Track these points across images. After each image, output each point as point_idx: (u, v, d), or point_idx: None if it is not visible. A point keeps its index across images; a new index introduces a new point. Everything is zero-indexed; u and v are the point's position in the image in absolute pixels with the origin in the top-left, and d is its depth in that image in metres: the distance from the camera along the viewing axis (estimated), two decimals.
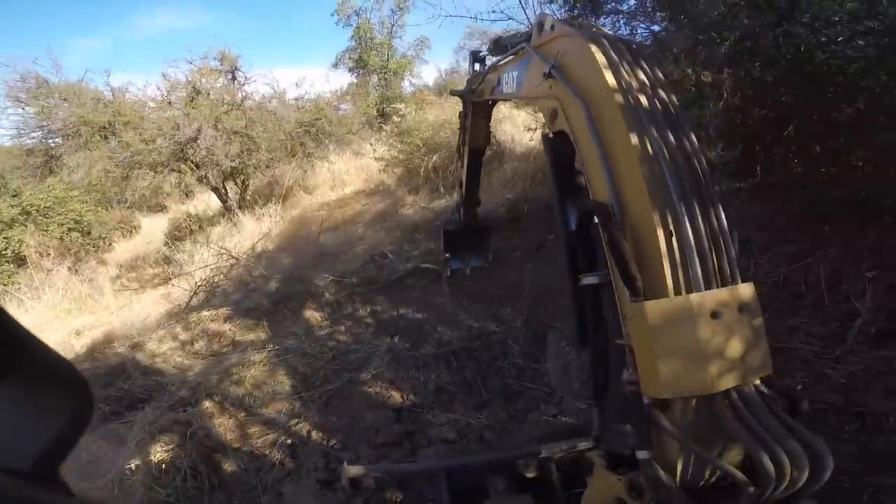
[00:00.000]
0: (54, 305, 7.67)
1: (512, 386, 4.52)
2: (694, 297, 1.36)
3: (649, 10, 4.28)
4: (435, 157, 8.37)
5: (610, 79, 1.57)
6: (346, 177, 9.57)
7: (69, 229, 10.69)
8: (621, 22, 4.48)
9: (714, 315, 1.35)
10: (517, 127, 9.31)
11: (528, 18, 7.07)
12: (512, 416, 4.13)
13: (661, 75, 1.70)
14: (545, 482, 2.95)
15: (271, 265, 6.75)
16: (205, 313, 6.05)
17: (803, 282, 3.77)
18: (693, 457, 1.37)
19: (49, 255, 8.92)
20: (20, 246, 9.68)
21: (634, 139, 1.48)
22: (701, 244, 1.42)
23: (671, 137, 1.52)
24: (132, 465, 3.68)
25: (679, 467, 1.39)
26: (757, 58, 3.74)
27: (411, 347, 4.95)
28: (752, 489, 1.26)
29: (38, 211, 10.41)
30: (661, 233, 1.40)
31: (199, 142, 7.73)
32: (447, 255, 5.23)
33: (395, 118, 9.80)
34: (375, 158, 9.05)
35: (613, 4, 4.48)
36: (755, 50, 3.71)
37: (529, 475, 2.97)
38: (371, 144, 9.66)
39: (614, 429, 1.68)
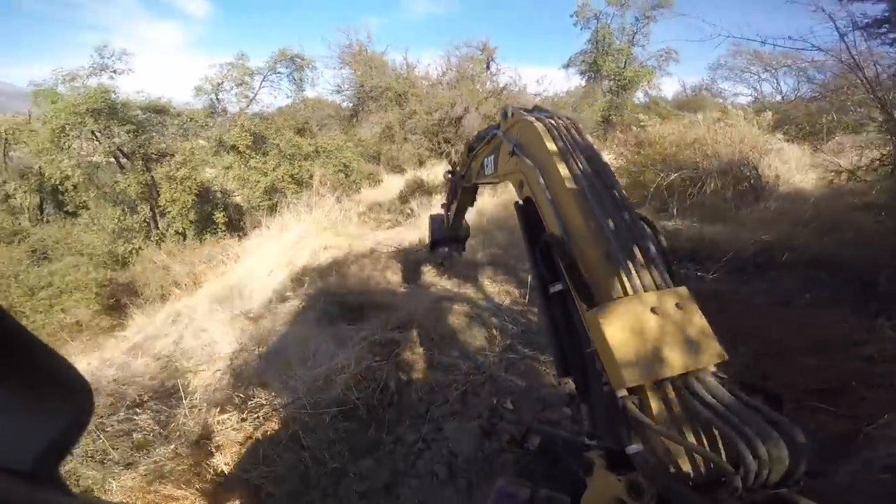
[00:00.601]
0: (317, 221, 9.72)
1: None
2: (633, 297, 1.63)
3: None
4: (673, 176, 7.75)
5: (550, 144, 2.09)
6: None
7: (338, 170, 13.49)
8: None
9: (653, 310, 1.58)
10: (787, 163, 7.94)
11: (847, 50, 5.84)
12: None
13: (588, 138, 2.19)
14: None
15: (485, 238, 7.29)
16: (421, 259, 6.90)
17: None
18: (680, 449, 1.44)
19: (325, 184, 11.40)
20: (308, 173, 12.66)
21: (570, 186, 1.93)
22: (633, 256, 1.73)
23: (598, 182, 1.94)
24: (344, 365, 4.30)
25: (668, 459, 1.46)
26: None
27: None
28: (732, 472, 1.32)
29: (325, 151, 13.41)
30: (599, 252, 1.76)
31: (463, 120, 8.79)
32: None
33: (634, 127, 9.34)
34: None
35: None
36: None
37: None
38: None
39: (604, 425, 1.81)
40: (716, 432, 1.47)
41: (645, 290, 1.65)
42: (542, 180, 2.04)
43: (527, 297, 5.77)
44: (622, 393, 1.53)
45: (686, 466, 1.47)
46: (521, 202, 2.41)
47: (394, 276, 6.65)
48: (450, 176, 4.46)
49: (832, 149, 8.95)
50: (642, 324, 1.56)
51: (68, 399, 0.55)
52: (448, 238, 5.64)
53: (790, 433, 1.35)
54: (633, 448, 1.51)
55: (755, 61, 12.07)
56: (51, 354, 0.53)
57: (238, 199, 13.54)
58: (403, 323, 5.10)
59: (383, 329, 4.97)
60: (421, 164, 16.01)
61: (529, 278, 5.71)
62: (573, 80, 17.05)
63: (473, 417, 3.81)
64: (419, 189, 12.39)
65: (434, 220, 5.81)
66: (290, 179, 12.51)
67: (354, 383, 4.09)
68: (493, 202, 9.00)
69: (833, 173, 6.61)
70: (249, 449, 3.71)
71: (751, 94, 12.65)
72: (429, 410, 3.94)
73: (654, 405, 1.52)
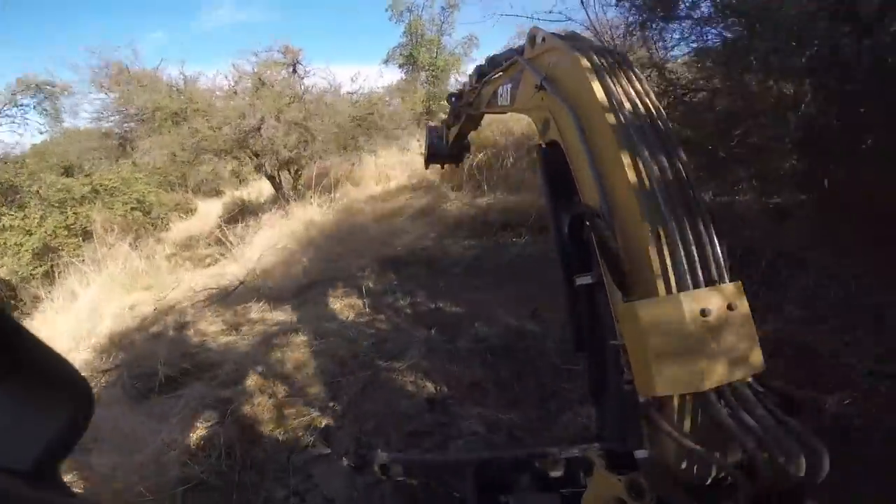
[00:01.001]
0: (113, 278, 8.17)
1: (546, 386, 4.50)
2: (682, 295, 1.40)
3: (723, 16, 4.09)
4: (480, 156, 8.37)
5: (597, 88, 1.65)
6: (391, 172, 9.73)
7: (132, 208, 11.42)
8: (692, 28, 4.29)
9: (703, 313, 1.37)
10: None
11: (589, 19, 6.91)
12: (543, 416, 4.12)
13: (645, 84, 1.78)
14: (572, 482, 2.94)
15: (318, 252, 6.96)
16: (250, 297, 6.34)
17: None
18: (691, 455, 1.37)
19: (113, 230, 9.56)
20: (87, 221, 10.44)
21: (621, 145, 1.55)
22: (687, 245, 1.46)
23: (656, 142, 1.59)
24: (172, 441, 3.79)
25: (677, 465, 1.41)
26: (835, 68, 3.53)
27: (448, 340, 4.99)
28: (749, 485, 1.27)
29: (105, 190, 11.19)
30: (648, 233, 1.45)
31: (261, 131, 8.08)
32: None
33: (441, 115, 9.86)
34: (420, 154, 9.12)
35: (686, 10, 4.29)
36: (834, 60, 3.51)
37: (555, 474, 2.99)
38: (418, 140, 9.77)
39: (614, 428, 1.73)
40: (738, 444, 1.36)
41: (696, 285, 1.43)
42: (578, 129, 1.66)
43: (367, 306, 5.69)
44: (646, 397, 1.43)
45: (698, 474, 1.40)
46: (543, 145, 1.99)
47: (212, 326, 5.93)
48: (453, 100, 3.85)
49: None
50: (687, 327, 1.36)
51: (68, 399, 0.54)
52: (445, 155, 4.85)
53: (813, 446, 1.27)
54: (642, 452, 1.46)
55: None
56: (51, 354, 0.53)
57: (2, 273, 10.58)
58: (233, 377, 4.61)
59: (209, 389, 4.44)
60: (241, 182, 14.60)
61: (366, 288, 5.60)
62: (394, 75, 17.32)
63: (340, 455, 3.64)
64: (242, 211, 11.27)
65: (431, 132, 4.91)
66: (65, 233, 10.18)
67: (191, 457, 3.62)
68: (321, 213, 8.64)
69: None
70: None
71: None
72: (290, 459, 3.64)
73: (676, 412, 1.40)
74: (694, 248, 1.47)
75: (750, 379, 1.42)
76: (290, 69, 9.28)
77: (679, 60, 5.36)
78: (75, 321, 6.96)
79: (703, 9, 4.30)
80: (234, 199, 11.83)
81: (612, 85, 1.66)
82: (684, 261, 1.44)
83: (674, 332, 1.37)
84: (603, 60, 1.74)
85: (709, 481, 1.42)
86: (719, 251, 1.51)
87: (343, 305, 5.83)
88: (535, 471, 2.98)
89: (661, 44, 4.97)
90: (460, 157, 4.87)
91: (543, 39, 2.03)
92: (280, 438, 3.85)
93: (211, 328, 5.88)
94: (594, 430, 1.89)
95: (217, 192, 14.36)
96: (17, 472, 0.48)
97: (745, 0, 3.90)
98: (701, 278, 1.45)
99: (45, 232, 10.14)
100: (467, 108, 3.62)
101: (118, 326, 6.52)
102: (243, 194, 11.99)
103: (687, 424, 1.40)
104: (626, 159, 1.53)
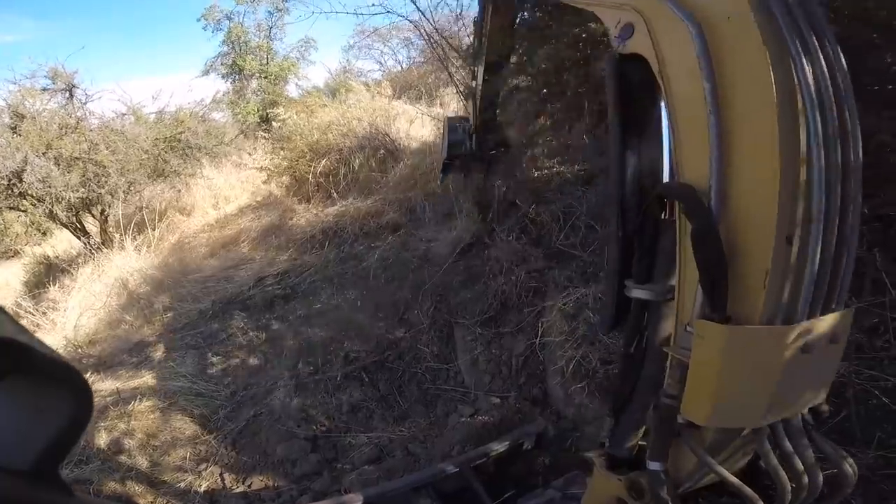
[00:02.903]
0: None
1: (428, 391, 4.52)
2: (791, 330, 1.08)
3: None
4: (324, 161, 7.95)
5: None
6: (228, 192, 8.75)
7: None
8: None
9: (804, 349, 1.10)
10: (412, 122, 9.15)
11: (417, 10, 6.78)
12: (433, 422, 4.16)
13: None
14: (470, 492, 2.90)
15: (145, 305, 5.96)
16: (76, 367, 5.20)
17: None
18: (708, 472, 1.27)
19: None
20: None
21: (776, 94, 1.00)
22: (827, 257, 1.08)
23: (832, 104, 1.05)
24: None
25: (687, 478, 1.35)
26: None
27: (317, 370, 4.66)
28: None
29: None
30: (777, 241, 1.04)
31: (25, 174, 6.53)
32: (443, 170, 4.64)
33: (274, 124, 9.16)
34: (258, 169, 8.37)
35: None
36: None
37: (450, 490, 2.93)
38: (249, 154, 8.93)
39: (624, 437, 1.60)
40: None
41: (811, 314, 1.09)
42: (701, 50, 1.07)
43: (214, 354, 5.01)
44: (687, 419, 1.22)
45: (699, 483, 1.35)
46: (617, 55, 1.35)
47: None
48: None
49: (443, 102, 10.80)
50: (780, 365, 1.09)
51: (68, 399, 0.52)
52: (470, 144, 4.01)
53: (843, 470, 1.23)
54: (656, 465, 1.33)
55: (376, 37, 13.35)
56: (51, 354, 0.50)
57: None
58: (69, 460, 3.72)
59: None
60: (44, 234, 12.08)
61: None
62: (217, 86, 15.89)
63: None
64: (49, 271, 9.25)
65: (451, 124, 4.15)
66: None
67: None
68: (143, 257, 7.40)
69: None
70: None
71: (379, 69, 14.20)
72: None
73: (714, 435, 1.23)
74: (829, 268, 1.09)
75: (806, 413, 1.25)
76: (66, 95, 7.69)
77: None
78: None
79: None
80: (37, 257, 9.67)
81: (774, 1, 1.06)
82: (812, 285, 1.08)
83: (761, 370, 1.11)
84: None
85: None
86: (852, 267, 1.15)
87: (187, 359, 5.09)
88: (431, 493, 2.90)
89: None
90: (490, 146, 4.13)
91: None
92: None
93: None
94: (603, 439, 1.67)
95: (14, 253, 11.70)
96: (17, 472, 0.48)
97: None
98: (819, 304, 1.12)
99: None
100: None
101: None
102: (47, 250, 9.87)
103: (719, 448, 1.26)
104: (780, 122, 1.00)
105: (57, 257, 9.27)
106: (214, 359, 5.00)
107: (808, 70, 1.03)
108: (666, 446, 1.32)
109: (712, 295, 1.10)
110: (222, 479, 3.72)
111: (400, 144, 8.47)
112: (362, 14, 7.24)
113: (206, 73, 15.52)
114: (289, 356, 4.89)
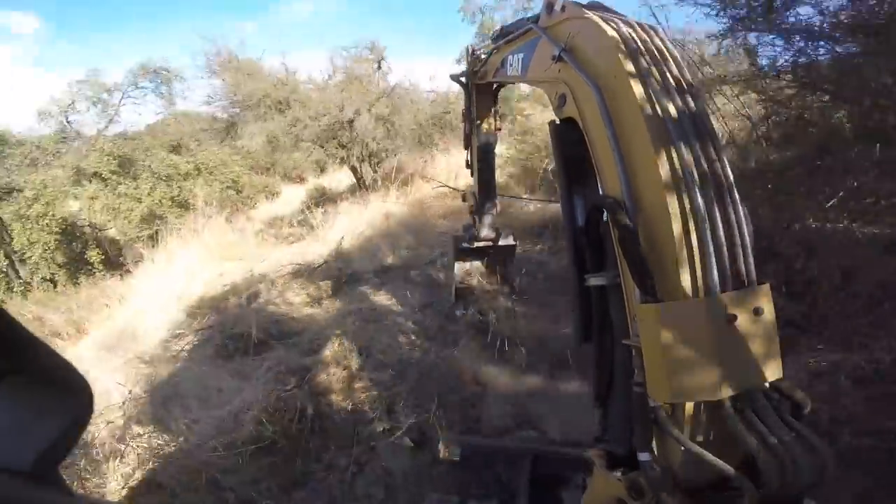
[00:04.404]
0: (208, 247, 8.97)
1: None
2: (709, 300, 1.31)
3: (836, 30, 3.86)
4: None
5: (626, 63, 1.46)
6: (460, 170, 9.93)
7: (227, 187, 12.59)
8: (799, 41, 4.07)
9: (729, 319, 1.29)
10: None
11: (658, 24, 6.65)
12: None
13: (679, 60, 1.57)
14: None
15: (393, 240, 7.31)
16: (332, 274, 6.70)
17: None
18: (696, 459, 1.33)
19: (210, 205, 10.59)
20: (189, 195, 11.66)
21: (649, 126, 1.39)
22: (719, 242, 1.35)
23: (690, 125, 1.43)
24: (251, 401, 4.05)
25: (681, 469, 1.38)
26: None
27: (521, 342, 4.72)
28: (753, 491, 1.25)
29: (206, 168, 12.42)
30: (677, 229, 1.33)
31: (355, 123, 8.61)
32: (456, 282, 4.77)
33: (519, 117, 9.95)
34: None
35: (794, 19, 4.06)
36: None
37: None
38: None
39: (618, 430, 1.66)
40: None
41: (724, 288, 1.34)
42: (601, 106, 1.50)
43: (434, 294, 5.88)
44: (657, 402, 1.36)
45: (700, 477, 1.38)
46: (557, 121, 1.85)
47: (297, 298, 6.38)
48: (456, 78, 3.74)
49: None
50: (711, 334, 1.29)
51: (68, 399, 0.54)
52: (481, 248, 4.37)
53: (820, 452, 1.27)
54: (646, 455, 1.41)
55: None
56: (51, 354, 0.53)
57: (112, 232, 12.06)
58: (313, 346, 4.91)
59: (291, 355, 4.76)
60: (322, 171, 15.47)
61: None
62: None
63: (403, 431, 3.76)
64: (322, 198, 12.00)
65: (456, 240, 4.51)
66: (170, 203, 11.42)
67: (267, 417, 3.86)
68: (397, 205, 9.01)
69: None
70: (164, 502, 3.40)
71: None
72: (356, 431, 3.84)
73: (687, 416, 1.35)
74: (726, 247, 1.36)
75: (766, 386, 1.36)
76: (376, 65, 9.81)
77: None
78: (171, 281, 7.77)
79: (811, 19, 4.01)
80: (316, 186, 12.58)
81: (641, 58, 1.49)
82: (714, 261, 1.33)
83: (696, 339, 1.29)
84: (631, 31, 1.56)
85: (709, 483, 1.39)
86: (750, 251, 1.40)
87: (414, 289, 6.03)
88: (590, 470, 3.01)
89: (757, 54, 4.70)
90: (502, 251, 4.44)
91: (563, 8, 1.86)
92: (348, 409, 4.04)
93: (296, 299, 6.29)
94: (596, 432, 1.79)
95: (300, 179, 15.27)
96: (17, 472, 0.48)
97: (863, 16, 3.68)
98: (729, 279, 1.35)
99: (153, 200, 11.46)
100: (473, 77, 3.53)
101: (210, 291, 7.18)
102: (323, 183, 12.72)
103: (697, 429, 1.36)
104: (655, 143, 1.37)
105: (330, 190, 11.91)
106: (434, 300, 5.84)
107: (671, 111, 1.42)
108: (648, 434, 1.40)
109: (642, 283, 1.35)
110: (407, 398, 4.06)
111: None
112: None
113: (458, 61, 17.18)
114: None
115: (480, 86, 3.62)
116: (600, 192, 1.58)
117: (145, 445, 3.94)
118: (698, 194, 1.36)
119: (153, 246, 9.80)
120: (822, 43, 3.98)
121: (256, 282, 6.98)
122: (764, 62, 4.59)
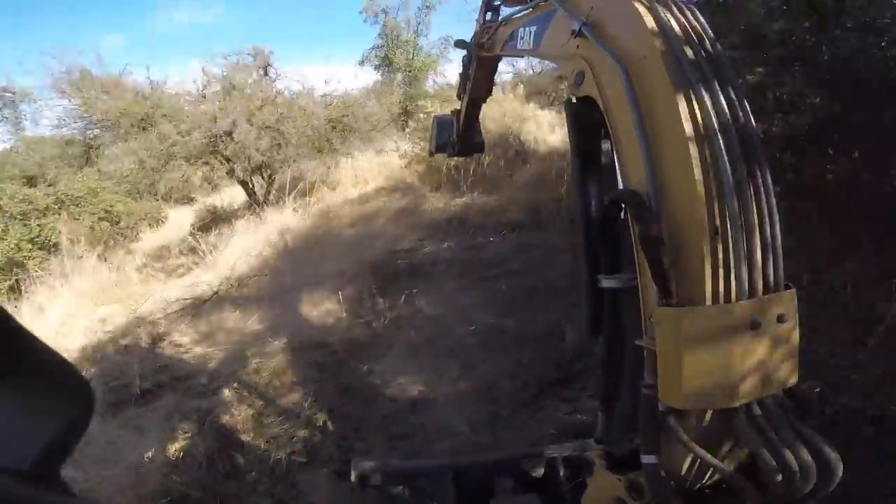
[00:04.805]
0: (82, 292, 7.89)
1: (528, 385, 4.51)
2: (734, 307, 1.24)
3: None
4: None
5: (659, 42, 1.33)
6: (368, 174, 9.66)
7: (99, 219, 11.03)
8: None
9: (754, 325, 1.23)
10: (541, 127, 9.27)
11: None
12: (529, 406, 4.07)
13: (713, 36, 1.44)
14: (552, 481, 2.92)
15: (294, 259, 6.86)
16: (225, 306, 6.23)
17: (828, 287, 3.70)
18: (701, 463, 1.31)
19: (80, 242, 9.22)
20: (53, 233, 10.04)
21: (683, 111, 1.26)
22: (752, 245, 1.26)
23: (727, 114, 1.29)
24: (150, 453, 3.78)
25: (685, 473, 1.37)
26: (797, 62, 3.63)
27: (428, 342, 4.97)
28: (757, 497, 1.24)
29: (71, 200, 10.78)
30: (708, 229, 1.23)
31: (233, 135, 7.92)
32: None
33: (420, 115, 9.84)
34: (399, 156, 9.10)
35: None
36: (796, 54, 3.61)
37: (536, 475, 2.96)
38: (395, 142, 9.71)
39: (620, 432, 1.64)
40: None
41: (751, 294, 1.26)
42: (627, 86, 1.36)
43: (344, 311, 5.63)
44: (665, 407, 1.32)
45: (701, 479, 1.37)
46: (573, 99, 1.68)
47: (186, 337, 5.80)
48: (463, 45, 3.51)
49: None
50: (732, 342, 1.23)
51: (68, 399, 0.54)
52: (453, 146, 4.53)
53: (827, 458, 1.24)
54: (650, 458, 1.37)
55: None
56: (51, 354, 0.53)
57: None
58: (210, 387, 4.58)
59: (186, 399, 4.42)
60: (214, 188, 14.24)
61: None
62: (370, 76, 17.24)
63: (324, 462, 3.65)
64: (214, 219, 11.00)
65: (438, 122, 4.66)
66: (30, 246, 9.76)
67: (170, 469, 3.61)
68: (297, 218, 8.49)
69: None
70: None
71: (511, 71, 14.48)
72: (273, 469, 3.62)
73: (697, 422, 1.31)
74: (759, 249, 1.26)
75: (780, 392, 1.32)
76: (261, 72, 9.14)
77: None
78: (44, 337, 6.70)
79: None
80: (206, 206, 11.53)
81: (675, 39, 1.34)
82: (745, 264, 1.24)
83: (716, 346, 1.22)
84: (664, 8, 1.41)
85: (710, 483, 1.40)
86: (780, 255, 1.31)
87: (320, 312, 5.78)
88: (516, 473, 2.97)
89: None
90: (469, 150, 4.61)
91: None
92: (261, 447, 3.83)
93: (185, 339, 5.79)
94: (598, 432, 1.76)
95: (188, 200, 13.99)
96: (17, 472, 0.48)
97: None
98: (758, 285, 1.27)
99: (9, 245, 9.71)
100: (479, 49, 3.32)
101: (90, 340, 6.33)
102: (215, 201, 11.71)
103: (704, 434, 1.31)
104: (687, 128, 1.25)
105: (222, 208, 10.95)
106: (344, 314, 5.61)
107: (709, 104, 1.27)
108: (655, 437, 1.37)
109: (663, 285, 1.27)
110: (324, 426, 4.02)
111: (529, 147, 8.64)
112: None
113: (361, 63, 16.75)
114: (404, 324, 5.26)
115: (483, 58, 3.40)
116: (619, 185, 1.46)
117: None
118: (734, 195, 1.24)
119: (16, 299, 8.41)
120: None
121: (140, 324, 6.25)
122: None
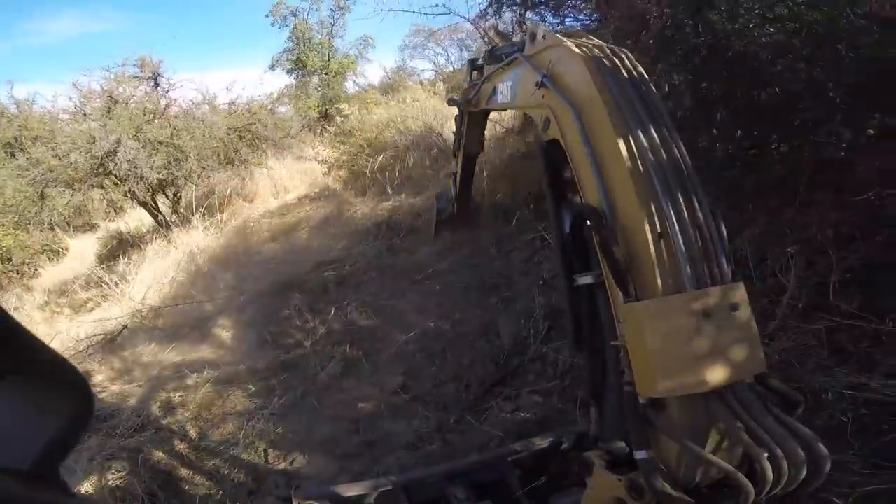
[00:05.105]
0: None
1: (471, 388, 4.48)
2: (685, 296, 1.42)
3: (578, 2, 4.28)
4: (381, 158, 8.18)
5: (598, 86, 1.63)
6: (288, 182, 9.17)
7: None
8: (549, 14, 4.45)
9: (706, 314, 1.39)
10: None
11: (468, 11, 7.01)
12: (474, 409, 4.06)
13: (644, 75, 1.75)
14: (504, 484, 2.95)
15: (209, 282, 6.38)
16: (140, 339, 5.71)
17: (732, 259, 3.95)
18: (691, 456, 1.39)
19: None
20: None
21: (622, 144, 1.54)
22: (690, 244, 1.47)
23: (657, 139, 1.58)
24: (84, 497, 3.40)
25: (677, 467, 1.43)
26: (678, 46, 3.82)
27: (366, 354, 4.84)
28: (750, 488, 1.29)
29: None
30: (650, 234, 1.46)
31: (118, 155, 7.15)
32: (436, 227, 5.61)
33: (337, 119, 9.50)
34: (319, 162, 8.75)
35: None
36: (676, 38, 3.79)
37: (489, 480, 2.97)
38: (313, 148, 9.31)
39: (613, 429, 1.71)
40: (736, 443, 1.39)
41: (699, 286, 1.44)
42: (580, 128, 1.65)
43: (270, 333, 5.31)
44: (645, 398, 1.44)
45: (698, 476, 1.42)
46: (544, 142, 1.97)
47: (100, 376, 5.29)
48: (454, 103, 3.85)
49: None
50: (689, 328, 1.37)
51: (68, 399, 0.53)
52: (452, 205, 5.04)
53: (815, 449, 1.31)
54: (642, 453, 1.44)
55: (430, 38, 13.69)
56: (51, 354, 0.53)
57: None
58: (135, 426, 4.21)
59: (112, 441, 4.01)
60: (119, 211, 13.01)
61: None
62: (281, 81, 16.55)
63: (270, 490, 3.51)
64: (121, 245, 10.01)
65: (437, 194, 5.16)
66: None
67: None
68: (209, 237, 7.91)
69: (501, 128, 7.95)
70: None
71: (432, 69, 14.43)
72: (222, 501, 3.45)
73: (677, 413, 1.42)
74: (697, 246, 1.48)
75: (751, 380, 1.44)
76: (151, 83, 8.34)
77: None
78: None
79: None
80: (111, 232, 10.49)
81: (613, 83, 1.64)
82: (687, 260, 1.45)
83: (675, 334, 1.38)
84: (604, 57, 1.71)
85: (708, 482, 1.44)
86: (722, 247, 1.53)
87: (244, 335, 5.43)
88: (468, 481, 2.96)
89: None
90: (467, 210, 5.13)
91: (544, 36, 2.01)
92: (203, 480, 3.65)
93: (99, 377, 5.29)
94: (594, 432, 1.86)
95: (90, 227, 12.69)
96: (17, 471, 0.48)
97: None
98: (704, 278, 1.46)
99: None
100: (467, 105, 3.63)
101: None
102: (120, 226, 10.68)
103: (688, 426, 1.41)
104: (625, 157, 1.53)
105: (129, 233, 10.01)
106: (268, 338, 5.29)
107: (644, 142, 1.56)
108: (643, 432, 1.49)
109: (622, 285, 1.48)
110: (266, 453, 3.88)
111: (451, 144, 8.63)
112: (426, 14, 7.47)
113: (272, 67, 16.10)
114: (339, 339, 5.06)
115: (473, 113, 3.76)
116: (582, 203, 1.72)
117: None
118: (669, 203, 1.48)
119: None
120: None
121: None
122: None
